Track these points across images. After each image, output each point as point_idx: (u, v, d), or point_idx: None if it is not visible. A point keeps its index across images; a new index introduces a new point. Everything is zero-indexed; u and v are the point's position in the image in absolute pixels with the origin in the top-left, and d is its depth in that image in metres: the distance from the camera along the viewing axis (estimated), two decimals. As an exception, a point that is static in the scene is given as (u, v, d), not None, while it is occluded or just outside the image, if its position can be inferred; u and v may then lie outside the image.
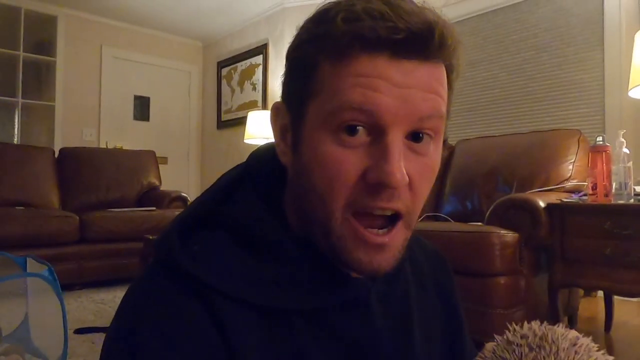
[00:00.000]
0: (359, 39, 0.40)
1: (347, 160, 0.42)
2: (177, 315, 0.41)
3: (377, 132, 0.42)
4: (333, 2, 0.43)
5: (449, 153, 2.75)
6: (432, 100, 0.43)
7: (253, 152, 0.53)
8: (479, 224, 1.98)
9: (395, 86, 0.41)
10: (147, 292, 0.43)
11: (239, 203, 0.47)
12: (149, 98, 4.94)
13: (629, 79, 1.96)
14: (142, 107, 4.91)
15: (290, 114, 0.47)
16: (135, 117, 4.87)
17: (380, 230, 0.44)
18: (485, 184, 2.38)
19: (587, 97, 2.81)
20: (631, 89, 1.93)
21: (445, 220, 2.37)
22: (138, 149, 4.20)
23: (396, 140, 0.42)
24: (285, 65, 0.48)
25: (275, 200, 0.49)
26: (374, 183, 0.41)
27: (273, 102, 0.50)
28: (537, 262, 1.84)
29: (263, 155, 0.53)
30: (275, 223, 0.46)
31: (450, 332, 0.61)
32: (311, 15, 0.45)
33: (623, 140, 1.70)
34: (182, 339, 0.40)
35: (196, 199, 0.50)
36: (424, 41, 0.41)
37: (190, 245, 0.44)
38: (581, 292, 2.30)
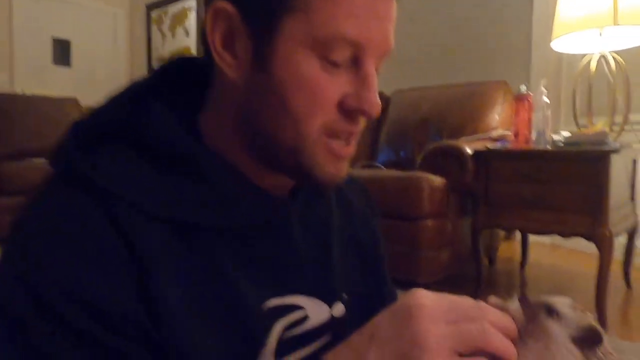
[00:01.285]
0: None
1: (329, 85, 0.41)
2: (81, 229, 0.37)
3: (357, 61, 0.42)
4: None
5: (385, 103, 2.78)
6: (393, 37, 0.44)
7: (165, 63, 0.49)
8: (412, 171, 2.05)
9: (379, 19, 0.42)
10: (45, 207, 0.40)
11: (149, 114, 0.43)
12: (69, 41, 4.54)
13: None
14: (62, 51, 4.51)
15: (251, 24, 0.41)
16: (55, 62, 4.47)
17: (344, 144, 0.45)
18: (418, 133, 2.45)
19: (515, 51, 2.92)
20: (554, 40, 2.02)
21: (379, 169, 2.42)
22: (59, 95, 3.88)
23: (373, 70, 0.43)
24: None
25: (189, 114, 0.46)
26: (353, 110, 0.42)
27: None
28: (463, 207, 1.94)
29: (177, 66, 0.49)
30: (190, 137, 0.43)
31: (372, 264, 0.61)
32: None
33: (544, 89, 1.79)
34: (88, 253, 0.37)
35: (98, 107, 0.45)
36: None
37: (94, 157, 0.41)
38: (501, 234, 2.47)
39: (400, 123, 2.57)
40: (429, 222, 1.79)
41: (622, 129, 2.00)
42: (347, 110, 0.43)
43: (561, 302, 0.37)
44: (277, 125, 0.43)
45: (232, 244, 0.44)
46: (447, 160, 1.88)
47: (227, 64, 0.43)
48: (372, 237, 0.61)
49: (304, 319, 0.50)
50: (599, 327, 0.36)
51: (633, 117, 2.08)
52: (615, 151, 1.59)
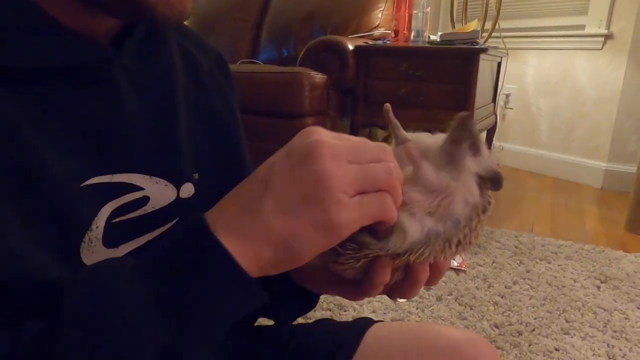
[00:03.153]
0: None
1: None
2: None
3: None
4: None
5: (268, -5, 2.58)
6: None
7: None
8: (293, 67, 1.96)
9: None
10: None
11: None
12: None
13: None
14: None
15: None
16: None
17: None
18: (301, 29, 2.33)
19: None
20: None
21: (260, 65, 2.29)
22: None
23: None
24: None
25: None
26: None
27: None
28: (343, 105, 1.93)
29: None
30: None
31: (228, 140, 0.53)
32: None
33: (425, -16, 1.77)
34: None
35: None
36: None
37: None
38: (381, 133, 2.56)
39: (283, 18, 2.41)
40: (309, 120, 1.76)
41: (491, 35, 2.10)
42: None
43: (482, 140, 0.36)
44: None
45: (30, 101, 0.32)
46: (328, 56, 1.81)
47: None
48: (227, 109, 0.53)
49: (143, 201, 0.41)
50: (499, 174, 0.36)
51: (502, 23, 2.18)
52: (484, 50, 1.66)
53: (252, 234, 0.30)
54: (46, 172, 0.33)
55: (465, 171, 0.35)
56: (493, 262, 1.49)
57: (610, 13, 2.39)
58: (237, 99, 0.56)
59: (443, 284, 1.34)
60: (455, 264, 1.42)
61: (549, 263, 1.51)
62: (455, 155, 0.35)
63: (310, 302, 0.53)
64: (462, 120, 0.35)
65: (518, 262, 1.51)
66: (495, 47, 1.93)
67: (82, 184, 0.36)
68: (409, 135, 0.40)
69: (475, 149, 0.36)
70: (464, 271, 1.41)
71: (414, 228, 0.34)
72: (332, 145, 0.30)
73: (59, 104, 0.34)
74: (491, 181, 0.36)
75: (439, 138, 0.37)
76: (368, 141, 0.32)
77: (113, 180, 0.38)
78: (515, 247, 1.62)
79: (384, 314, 1.21)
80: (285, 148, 0.32)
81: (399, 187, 0.32)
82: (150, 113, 0.42)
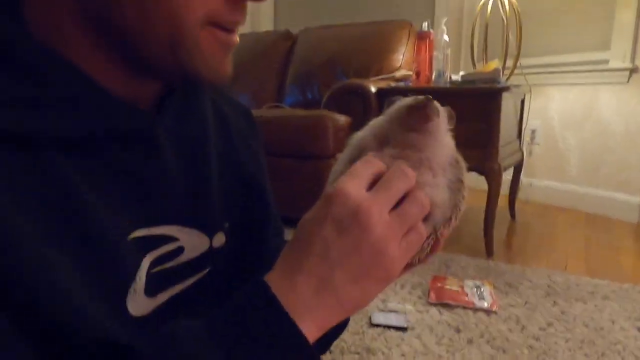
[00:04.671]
0: None
1: None
2: None
3: None
4: None
5: (292, 43, 2.69)
6: None
7: None
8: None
9: None
10: None
11: None
12: None
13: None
14: None
15: None
16: None
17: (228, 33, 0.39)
18: (324, 73, 2.41)
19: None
20: (455, -21, 2.04)
21: (285, 109, 2.36)
22: None
23: None
24: None
25: (11, 12, 0.35)
26: None
27: None
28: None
29: None
30: (10, 29, 0.33)
31: (255, 189, 0.55)
32: None
33: (444, 27, 1.82)
34: None
35: None
36: None
37: None
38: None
39: (307, 63, 2.50)
40: (334, 161, 1.79)
41: (513, 72, 2.12)
42: None
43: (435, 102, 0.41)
44: (143, 14, 0.34)
45: (84, 163, 0.35)
46: (351, 99, 1.86)
47: None
48: (254, 161, 0.56)
49: (179, 251, 0.44)
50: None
51: (523, 60, 2.20)
52: (506, 89, 1.67)
53: (329, 311, 0.36)
54: (97, 227, 0.35)
55: (441, 131, 0.41)
56: (525, 303, 1.45)
57: (634, 47, 2.39)
58: (262, 148, 0.60)
59: (474, 325, 1.31)
60: (486, 305, 1.39)
61: (585, 303, 1.46)
62: (430, 126, 0.41)
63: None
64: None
65: (552, 302, 1.46)
66: (518, 85, 1.95)
67: (128, 238, 0.38)
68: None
69: (438, 111, 0.41)
70: (495, 312, 1.38)
71: (440, 196, 0.40)
72: (374, 210, 0.35)
73: (107, 163, 0.38)
74: (451, 116, 0.43)
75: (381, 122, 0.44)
76: (391, 176, 0.37)
77: (153, 233, 0.41)
78: (549, 286, 1.57)
79: (414, 358, 1.18)
80: (330, 218, 0.35)
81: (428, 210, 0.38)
82: (185, 167, 0.45)
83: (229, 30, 0.38)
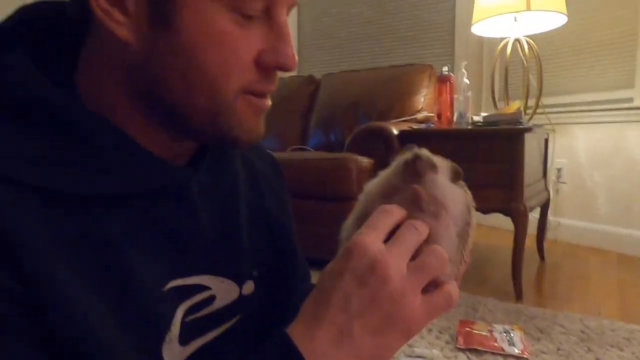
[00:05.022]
0: None
1: (244, 41, 0.38)
2: None
3: (269, 12, 0.40)
4: None
5: (315, 87, 2.77)
6: None
7: (22, 8, 0.42)
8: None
9: None
10: None
11: (8, 71, 0.36)
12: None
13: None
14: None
15: None
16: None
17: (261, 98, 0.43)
18: (347, 116, 2.46)
19: (439, 34, 3.00)
20: (474, 24, 2.09)
21: (309, 152, 2.41)
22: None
23: (286, 20, 0.41)
24: None
25: (60, 72, 0.40)
26: (271, 66, 0.40)
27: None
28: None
29: (40, 14, 0.42)
30: (65, 97, 0.37)
31: (282, 237, 0.58)
32: None
33: (464, 71, 1.85)
34: None
35: None
36: None
37: None
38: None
39: (330, 106, 2.56)
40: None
41: (535, 112, 2.13)
42: (265, 67, 0.40)
43: (436, 158, 0.44)
44: (188, 89, 0.38)
45: (124, 218, 0.38)
46: (374, 142, 1.89)
47: (117, 22, 0.37)
48: (281, 209, 0.58)
49: (211, 299, 0.46)
50: (456, 165, 0.44)
51: (545, 100, 2.21)
52: (529, 130, 1.68)
53: None
54: (136, 278, 0.38)
55: (444, 186, 0.42)
56: (558, 350, 1.40)
57: (658, 85, 2.37)
58: (288, 194, 0.62)
59: (505, 373, 1.27)
60: (516, 351, 1.35)
61: (622, 350, 1.40)
62: (430, 184, 0.42)
63: None
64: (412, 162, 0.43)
65: (586, 349, 1.40)
66: (540, 125, 1.95)
67: (164, 288, 0.41)
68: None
69: (434, 168, 0.43)
70: (526, 359, 1.33)
71: (449, 248, 0.40)
72: (392, 263, 0.36)
73: (145, 217, 0.40)
74: (455, 176, 0.44)
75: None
76: (404, 230, 0.38)
77: (187, 283, 0.43)
78: (582, 332, 1.52)
79: (443, 406, 1.15)
80: (349, 271, 0.36)
81: (447, 264, 0.38)
82: (217, 218, 0.48)
83: (262, 96, 0.42)
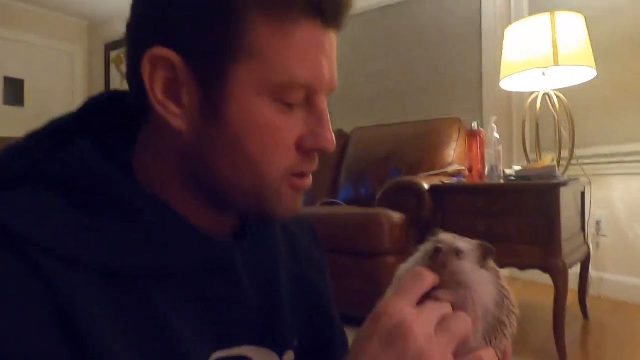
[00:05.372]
0: (308, 7, 0.39)
1: (286, 128, 0.41)
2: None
3: (309, 99, 0.43)
4: None
5: (345, 141, 2.82)
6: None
7: (90, 99, 0.47)
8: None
9: (326, 57, 0.42)
10: None
11: (75, 155, 0.40)
12: (22, 81, 4.42)
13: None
14: (14, 91, 4.37)
15: (199, 72, 0.40)
16: (7, 102, 4.33)
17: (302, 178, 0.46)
18: (377, 170, 2.48)
19: (467, 89, 3.05)
20: (502, 80, 2.12)
21: (340, 205, 2.42)
22: (9, 136, 3.73)
23: (325, 106, 0.44)
24: (178, 2, 0.39)
25: (122, 159, 0.44)
26: (314, 150, 0.43)
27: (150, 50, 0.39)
28: (422, 241, 1.95)
29: (104, 104, 0.47)
30: (118, 173, 0.41)
31: (321, 305, 0.59)
32: None
33: (494, 125, 1.87)
34: (4, 303, 0.33)
35: (13, 144, 0.42)
36: (346, 13, 0.42)
37: (8, 201, 0.37)
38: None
39: (360, 160, 2.60)
40: (390, 259, 1.79)
41: (569, 163, 2.10)
42: (306, 151, 0.43)
43: (461, 242, 0.43)
44: (234, 173, 0.42)
45: (172, 291, 0.41)
46: (405, 196, 1.90)
47: (171, 114, 0.41)
48: (319, 278, 0.59)
49: None
50: (485, 243, 0.43)
51: (578, 151, 2.18)
52: (564, 184, 1.65)
53: None
54: (183, 351, 0.39)
55: (472, 273, 0.42)
56: (610, 419, 1.31)
57: (698, 135, 2.31)
58: (326, 263, 0.64)
59: None
60: (564, 420, 1.26)
61: (681, 422, 1.29)
62: (455, 271, 0.41)
63: None
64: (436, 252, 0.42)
65: (641, 419, 1.31)
66: (576, 178, 1.92)
67: (209, 359, 0.42)
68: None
69: (460, 254, 0.42)
70: None
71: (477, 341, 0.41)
72: (417, 323, 0.36)
73: (191, 291, 0.43)
74: (483, 255, 0.43)
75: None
76: (433, 304, 0.39)
77: (231, 354, 0.44)
78: (635, 399, 1.42)
79: None
80: (377, 333, 0.37)
81: (472, 328, 0.39)
82: (259, 288, 0.49)
83: (304, 176, 0.44)
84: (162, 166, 0.43)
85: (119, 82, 4.59)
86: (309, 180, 0.46)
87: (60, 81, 4.70)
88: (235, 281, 0.46)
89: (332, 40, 0.43)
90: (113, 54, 4.66)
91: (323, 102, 0.44)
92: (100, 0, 4.34)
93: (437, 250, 0.42)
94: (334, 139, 0.44)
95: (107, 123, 0.45)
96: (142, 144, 0.45)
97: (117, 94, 0.47)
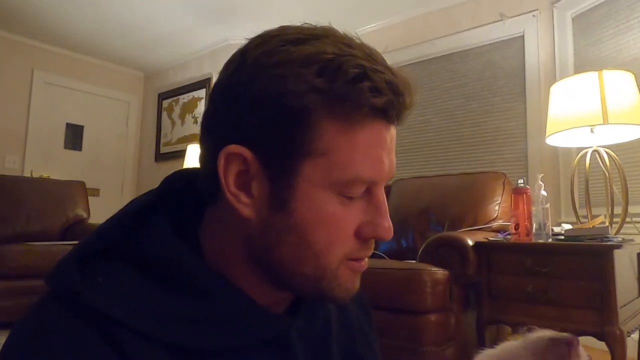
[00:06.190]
0: (374, 109, 0.42)
1: (347, 218, 0.44)
2: (77, 351, 0.37)
3: (369, 191, 0.45)
4: (332, 52, 0.41)
5: (386, 192, 2.82)
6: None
7: (167, 178, 0.51)
8: (413, 261, 2.02)
9: (387, 151, 0.45)
10: (40, 327, 0.39)
11: (151, 233, 0.44)
12: (82, 127, 4.73)
13: (547, 127, 2.12)
14: (74, 136, 4.68)
15: (269, 168, 0.43)
16: (67, 146, 4.62)
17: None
18: (419, 222, 2.45)
19: (511, 143, 3.01)
20: (548, 136, 2.09)
21: (381, 257, 2.39)
22: (68, 179, 3.96)
23: (384, 197, 0.46)
24: (254, 105, 0.42)
25: (191, 234, 0.47)
26: (372, 238, 0.45)
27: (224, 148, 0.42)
28: (466, 299, 1.89)
29: (179, 183, 0.50)
30: (189, 254, 0.44)
31: None
32: (301, 59, 0.41)
33: (541, 183, 1.82)
34: None
35: (99, 226, 0.46)
36: (409, 113, 0.45)
37: (91, 276, 0.41)
38: (509, 328, 2.38)
39: (401, 212, 2.58)
40: (432, 317, 1.73)
41: (623, 222, 2.00)
42: (364, 239, 0.45)
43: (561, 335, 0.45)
44: (297, 259, 0.44)
45: None
46: (448, 252, 1.86)
47: (242, 203, 0.44)
48: (369, 350, 0.60)
49: None
50: (569, 334, 0.45)
51: (632, 209, 2.09)
52: (618, 247, 1.58)
53: None
54: None
55: None
56: None
57: None
58: (375, 333, 0.64)
59: None
60: None
61: None
62: None
63: None
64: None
65: None
66: (631, 239, 1.83)
67: None
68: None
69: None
70: None
71: None
72: None
73: None
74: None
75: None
76: None
77: None
78: None
79: None
80: None
81: None
82: None
83: (361, 260, 0.46)
84: (228, 245, 0.46)
85: (169, 128, 4.82)
86: (365, 264, 0.47)
87: (116, 127, 5.00)
88: (291, 355, 0.47)
89: (392, 134, 0.46)
90: (165, 103, 4.93)
91: (382, 193, 0.46)
92: (156, 54, 4.65)
93: (574, 340, 0.44)
94: (392, 227, 0.46)
95: (178, 201, 0.49)
96: (210, 221, 0.48)
97: (187, 172, 0.51)
